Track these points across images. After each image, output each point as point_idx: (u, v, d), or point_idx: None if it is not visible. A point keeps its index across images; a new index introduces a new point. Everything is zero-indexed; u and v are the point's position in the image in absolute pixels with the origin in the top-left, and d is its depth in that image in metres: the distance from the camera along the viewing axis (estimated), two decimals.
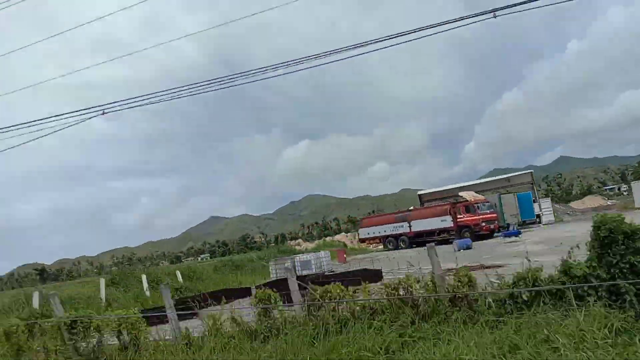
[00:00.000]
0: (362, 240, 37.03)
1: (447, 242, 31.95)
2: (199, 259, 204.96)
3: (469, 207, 30.73)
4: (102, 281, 19.07)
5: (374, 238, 35.81)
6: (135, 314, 8.75)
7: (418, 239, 32.65)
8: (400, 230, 33.52)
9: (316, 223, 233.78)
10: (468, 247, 24.35)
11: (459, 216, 30.83)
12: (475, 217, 30.16)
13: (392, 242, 33.79)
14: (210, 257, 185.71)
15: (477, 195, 32.67)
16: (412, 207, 39.62)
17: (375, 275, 15.00)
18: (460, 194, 33.02)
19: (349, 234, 58.22)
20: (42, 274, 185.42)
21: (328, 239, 52.81)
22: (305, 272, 20.50)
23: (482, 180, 42.10)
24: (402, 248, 32.69)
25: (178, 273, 21.89)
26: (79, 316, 8.58)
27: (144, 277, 20.05)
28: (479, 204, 30.80)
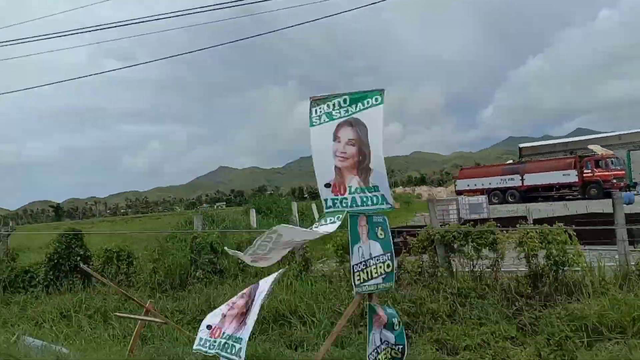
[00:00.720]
0: (459, 193, 34.35)
1: (562, 198, 29.24)
2: (215, 206, 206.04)
3: (599, 162, 27.77)
4: (253, 211, 16.72)
5: (474, 191, 33.08)
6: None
7: (531, 194, 29.97)
8: (510, 184, 30.71)
9: None
10: (630, 202, 21.60)
11: (586, 171, 27.91)
12: (607, 173, 27.26)
13: (499, 195, 31.11)
14: (227, 206, 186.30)
15: (606, 149, 29.64)
16: (511, 160, 36.66)
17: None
18: (590, 147, 29.94)
19: (415, 187, 56.11)
20: (57, 211, 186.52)
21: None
22: (474, 216, 17.87)
23: (591, 137, 38.77)
24: (510, 202, 30.04)
25: (314, 206, 19.71)
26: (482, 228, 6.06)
27: (294, 205, 17.92)
28: (611, 159, 27.85)
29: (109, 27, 9.88)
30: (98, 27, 9.68)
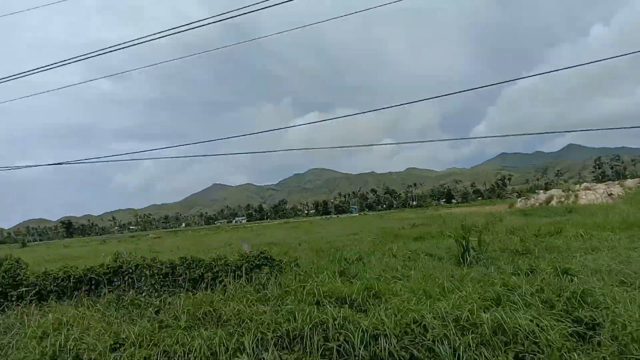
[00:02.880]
0: None
1: None
2: (234, 221, 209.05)
3: None
4: None
5: None
6: None
7: None
8: None
9: (353, 192, 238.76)
10: None
11: None
12: None
13: None
14: (248, 221, 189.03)
15: None
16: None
17: None
18: None
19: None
20: (69, 228, 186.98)
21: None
22: None
23: None
24: None
25: None
26: None
27: None
28: None
29: (104, 52, 9.82)
30: (93, 54, 9.77)
